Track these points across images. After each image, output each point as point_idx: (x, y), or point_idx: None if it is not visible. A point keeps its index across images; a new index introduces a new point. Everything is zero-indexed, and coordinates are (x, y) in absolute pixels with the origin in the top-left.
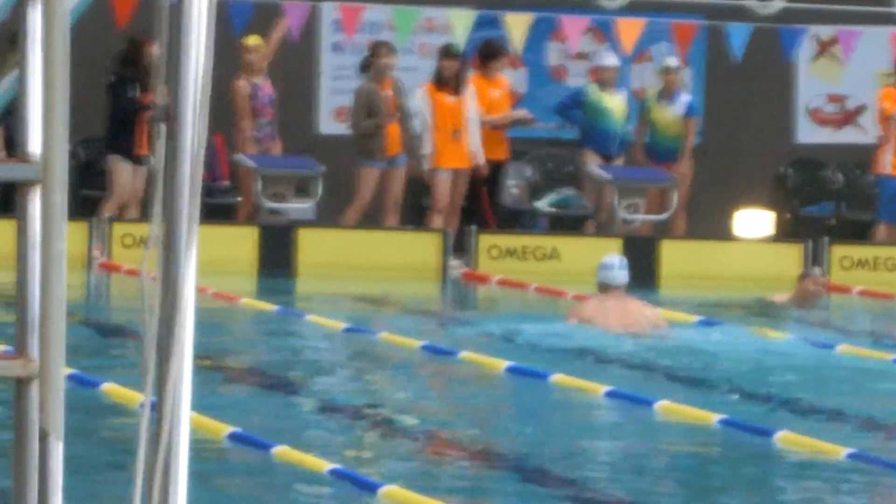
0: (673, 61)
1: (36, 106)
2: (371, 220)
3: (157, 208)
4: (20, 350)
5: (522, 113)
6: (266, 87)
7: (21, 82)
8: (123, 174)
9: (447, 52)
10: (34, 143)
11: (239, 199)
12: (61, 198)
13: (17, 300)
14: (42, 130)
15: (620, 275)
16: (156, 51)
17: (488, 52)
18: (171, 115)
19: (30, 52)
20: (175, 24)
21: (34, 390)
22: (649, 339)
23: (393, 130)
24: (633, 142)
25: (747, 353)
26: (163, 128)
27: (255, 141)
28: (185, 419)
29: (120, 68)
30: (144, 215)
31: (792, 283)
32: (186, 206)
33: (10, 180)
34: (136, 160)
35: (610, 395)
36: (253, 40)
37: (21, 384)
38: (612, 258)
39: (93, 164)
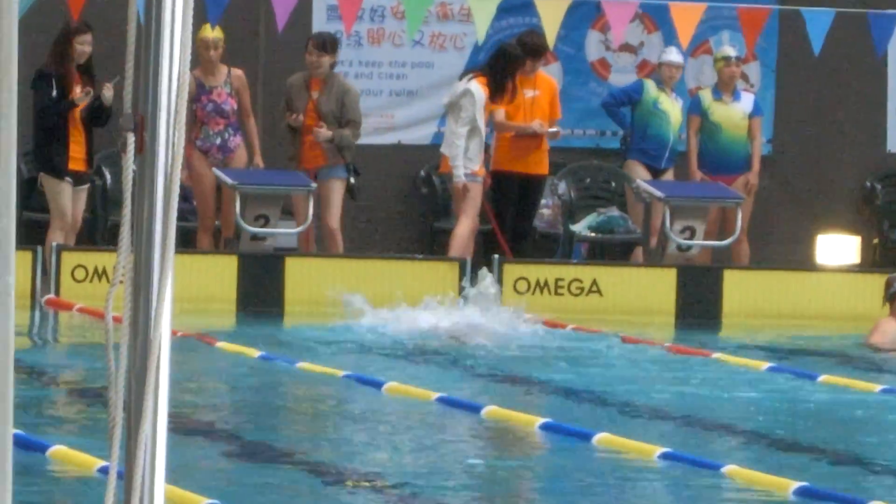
0: (732, 50)
1: None
2: (369, 247)
3: (125, 235)
4: None
5: (536, 125)
6: (216, 95)
7: None
8: (61, 195)
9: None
10: None
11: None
12: (8, 222)
13: None
14: None
15: None
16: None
17: (535, 47)
18: (141, 123)
19: None
20: (149, 12)
21: None
22: (710, 390)
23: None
24: (684, 152)
25: (831, 406)
26: (130, 138)
27: (201, 151)
28: (159, 491)
29: (47, 61)
30: (83, 243)
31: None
32: (160, 232)
33: None
34: (73, 177)
35: (665, 456)
36: (212, 32)
37: None
38: None
39: (36, 180)
